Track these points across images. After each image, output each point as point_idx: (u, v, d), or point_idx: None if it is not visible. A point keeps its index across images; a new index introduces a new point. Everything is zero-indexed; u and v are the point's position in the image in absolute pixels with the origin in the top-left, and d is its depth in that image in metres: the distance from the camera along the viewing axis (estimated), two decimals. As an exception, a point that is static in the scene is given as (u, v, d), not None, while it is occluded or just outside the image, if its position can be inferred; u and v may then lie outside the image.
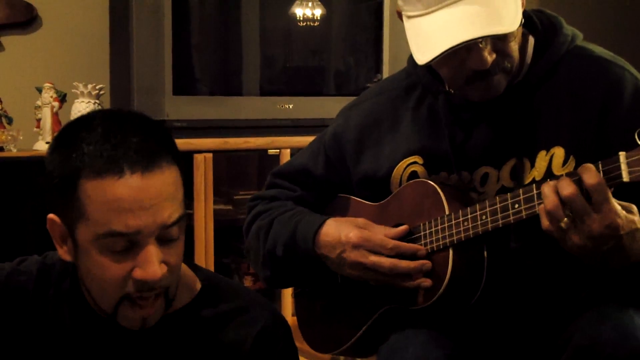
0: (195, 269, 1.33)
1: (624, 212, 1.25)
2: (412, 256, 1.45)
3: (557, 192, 1.25)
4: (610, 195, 1.23)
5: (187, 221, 1.21)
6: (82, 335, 1.26)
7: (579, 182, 1.24)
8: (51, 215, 1.19)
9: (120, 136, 1.14)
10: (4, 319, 1.26)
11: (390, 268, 1.45)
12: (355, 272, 1.49)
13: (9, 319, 1.26)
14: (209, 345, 1.26)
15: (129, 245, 1.13)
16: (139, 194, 1.12)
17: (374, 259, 1.46)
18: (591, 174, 1.23)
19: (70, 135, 1.17)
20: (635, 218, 1.26)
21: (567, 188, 1.24)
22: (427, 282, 1.43)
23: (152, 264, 1.13)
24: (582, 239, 1.25)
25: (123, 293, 1.16)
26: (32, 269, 1.30)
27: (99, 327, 1.25)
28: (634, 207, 1.27)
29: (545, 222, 1.27)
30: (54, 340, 1.26)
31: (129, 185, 1.11)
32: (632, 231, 1.26)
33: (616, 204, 1.24)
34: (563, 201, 1.24)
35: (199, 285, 1.30)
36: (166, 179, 1.15)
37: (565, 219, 1.25)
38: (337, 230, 1.51)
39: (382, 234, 1.48)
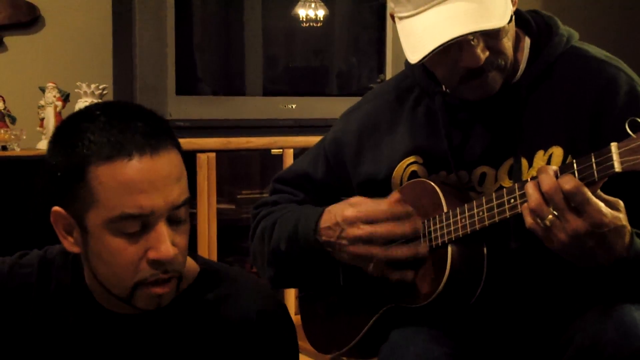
0: (192, 256, 1.34)
1: (609, 209, 1.24)
2: (407, 219, 1.45)
3: (539, 189, 1.25)
4: (590, 195, 1.22)
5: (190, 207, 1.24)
6: (86, 328, 1.26)
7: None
8: (56, 208, 1.20)
9: (124, 122, 1.17)
10: (7, 310, 1.27)
11: (386, 232, 1.44)
12: (356, 251, 1.47)
13: (13, 311, 1.27)
14: (212, 327, 1.27)
15: (141, 227, 1.15)
16: (150, 175, 1.14)
17: (369, 228, 1.45)
18: (566, 180, 1.22)
19: (72, 128, 1.19)
20: (621, 215, 1.25)
21: (546, 182, 1.23)
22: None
23: (165, 242, 1.16)
24: (567, 237, 1.24)
25: (137, 279, 1.17)
26: (34, 262, 1.31)
27: (103, 320, 1.26)
28: (621, 204, 1.26)
29: (529, 220, 1.27)
30: (57, 334, 1.27)
31: (139, 167, 1.14)
32: (617, 227, 1.25)
33: (600, 202, 1.23)
34: (545, 198, 1.24)
35: (197, 270, 1.31)
36: (173, 160, 1.18)
37: (550, 216, 1.24)
38: (333, 214, 1.50)
39: (374, 203, 1.47)
